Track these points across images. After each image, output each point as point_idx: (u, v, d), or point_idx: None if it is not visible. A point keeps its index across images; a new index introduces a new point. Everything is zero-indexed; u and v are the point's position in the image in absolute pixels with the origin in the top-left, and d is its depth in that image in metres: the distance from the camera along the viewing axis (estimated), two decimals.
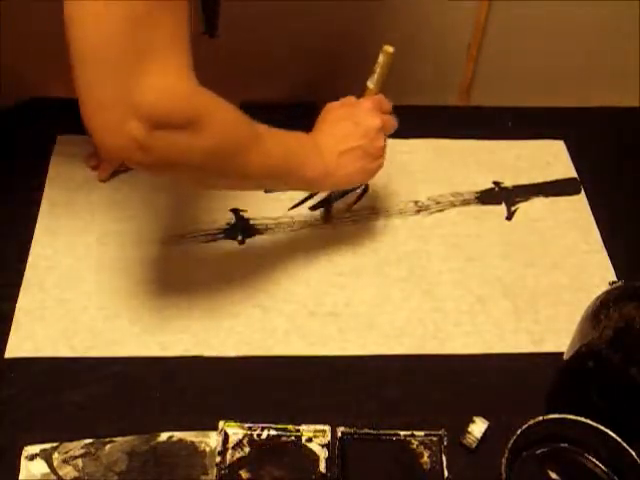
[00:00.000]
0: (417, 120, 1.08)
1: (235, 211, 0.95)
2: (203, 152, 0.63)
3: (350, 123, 0.82)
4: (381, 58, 0.85)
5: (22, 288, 0.85)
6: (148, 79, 0.56)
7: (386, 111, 0.85)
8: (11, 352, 0.80)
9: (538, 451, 0.72)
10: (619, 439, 0.68)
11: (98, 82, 0.57)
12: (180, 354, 0.81)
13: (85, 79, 0.57)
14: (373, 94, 0.87)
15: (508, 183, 1.01)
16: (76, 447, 0.72)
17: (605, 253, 0.93)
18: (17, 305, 0.84)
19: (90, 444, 0.73)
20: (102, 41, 0.55)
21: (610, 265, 0.92)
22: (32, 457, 0.71)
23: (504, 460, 0.67)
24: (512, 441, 0.68)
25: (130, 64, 0.56)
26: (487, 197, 1.00)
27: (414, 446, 0.74)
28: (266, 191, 0.97)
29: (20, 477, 0.70)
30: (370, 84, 0.87)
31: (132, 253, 0.90)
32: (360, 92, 0.87)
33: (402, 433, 0.74)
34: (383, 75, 0.87)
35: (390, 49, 0.85)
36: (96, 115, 0.58)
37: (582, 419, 0.70)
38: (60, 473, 0.71)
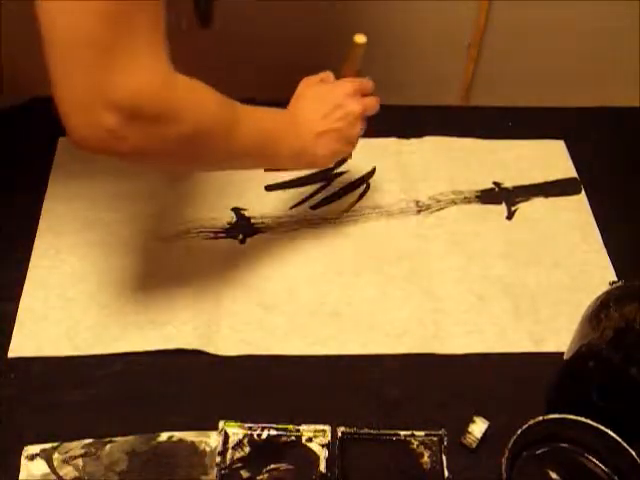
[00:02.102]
0: (417, 120, 1.09)
1: (236, 210, 0.95)
2: (179, 141, 0.64)
3: (330, 104, 0.82)
4: (351, 48, 0.84)
5: (25, 288, 0.85)
6: (122, 72, 0.57)
7: (367, 93, 0.85)
8: (14, 352, 0.80)
9: (538, 451, 0.73)
10: (619, 439, 0.68)
11: (73, 75, 0.57)
12: (183, 346, 0.81)
13: (61, 75, 0.58)
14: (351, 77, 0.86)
15: (508, 183, 1.01)
16: (76, 447, 0.72)
17: (605, 253, 0.93)
18: (20, 305, 0.84)
19: (90, 444, 0.73)
20: (77, 38, 0.56)
21: (610, 265, 0.92)
22: (32, 457, 0.71)
23: (504, 460, 0.67)
24: (512, 441, 0.68)
25: (105, 59, 0.57)
26: (487, 197, 1.00)
27: (414, 446, 0.74)
28: (267, 188, 0.98)
29: (20, 477, 0.71)
30: (343, 73, 0.86)
31: (134, 252, 0.90)
32: (337, 74, 0.86)
33: (402, 433, 0.74)
34: (355, 64, 0.85)
35: (361, 39, 0.83)
36: (73, 110, 0.58)
37: (582, 419, 0.70)
38: (60, 473, 0.71)
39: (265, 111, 0.77)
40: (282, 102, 0.84)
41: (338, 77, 0.86)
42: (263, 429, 0.74)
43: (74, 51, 0.57)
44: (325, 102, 0.82)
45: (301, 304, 0.86)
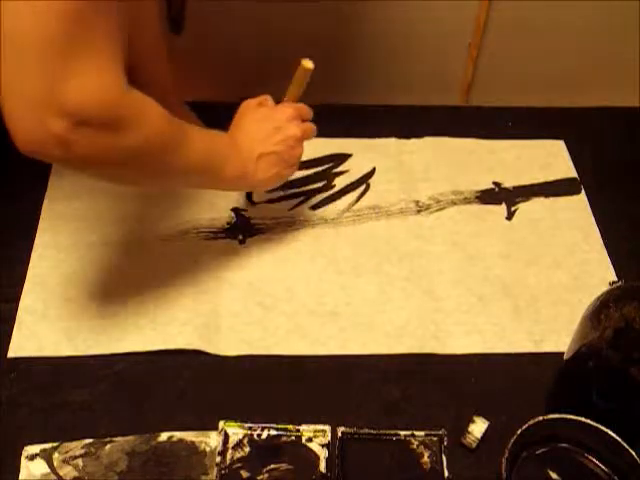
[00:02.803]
0: (417, 120, 1.09)
1: (236, 210, 0.95)
2: (127, 151, 0.63)
3: (270, 127, 0.82)
4: (298, 72, 0.84)
5: (25, 288, 0.85)
6: (75, 77, 0.56)
7: (306, 119, 0.86)
8: (14, 352, 0.80)
9: (538, 451, 0.73)
10: (619, 439, 0.69)
11: (24, 77, 0.56)
12: (183, 346, 0.81)
13: (10, 72, 0.56)
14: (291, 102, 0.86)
15: (508, 183, 1.01)
16: (76, 447, 0.72)
17: (605, 253, 0.93)
18: (20, 305, 0.84)
19: (90, 444, 0.73)
20: (31, 37, 0.55)
21: (610, 265, 0.92)
22: (32, 457, 0.71)
23: (504, 460, 0.67)
24: (512, 441, 0.69)
25: (58, 61, 0.56)
26: (487, 197, 1.00)
27: (414, 446, 0.74)
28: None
29: (20, 477, 0.71)
30: (287, 95, 0.86)
31: (133, 252, 0.90)
32: (279, 99, 0.87)
33: (402, 433, 0.75)
34: (300, 87, 0.86)
35: (308, 65, 0.83)
36: (18, 109, 0.57)
37: (582, 419, 0.70)
38: (60, 473, 0.71)
39: (209, 133, 0.77)
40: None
41: (280, 99, 0.87)
42: (263, 429, 0.74)
43: (28, 49, 0.56)
44: (265, 125, 0.83)
45: (301, 304, 0.86)
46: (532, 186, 1.01)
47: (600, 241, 0.95)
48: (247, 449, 0.73)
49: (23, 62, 0.56)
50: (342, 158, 1.02)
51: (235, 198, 0.96)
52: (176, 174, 0.73)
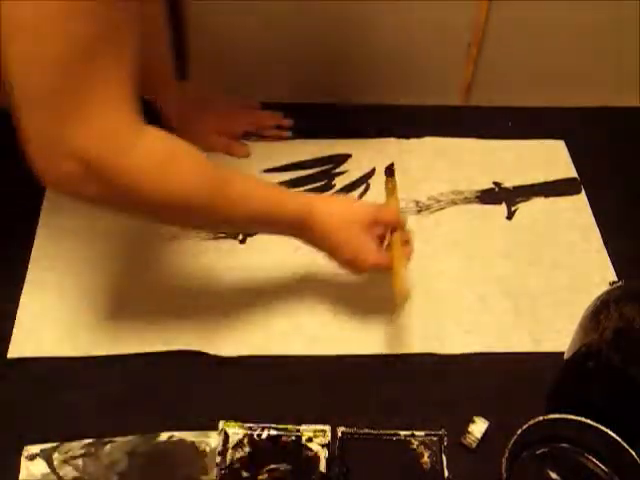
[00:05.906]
0: (417, 120, 1.09)
1: None
2: (140, 206, 0.63)
3: (352, 248, 0.78)
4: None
5: (25, 288, 0.85)
6: (83, 123, 0.57)
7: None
8: (14, 352, 0.80)
9: (538, 451, 0.73)
10: (619, 439, 0.69)
11: (38, 124, 0.58)
12: (183, 347, 0.81)
13: (26, 120, 0.58)
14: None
15: (508, 183, 1.01)
16: (76, 447, 0.72)
17: (605, 253, 0.93)
18: (20, 305, 0.84)
19: (90, 444, 0.73)
20: (39, 84, 0.56)
21: (610, 265, 0.92)
22: (32, 457, 0.71)
23: (504, 460, 0.67)
24: (512, 441, 0.69)
25: (66, 108, 0.57)
26: (487, 197, 1.00)
27: (414, 446, 0.74)
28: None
29: (20, 477, 0.71)
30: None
31: (134, 252, 0.90)
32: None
33: (402, 433, 0.74)
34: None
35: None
36: (37, 152, 0.59)
37: (582, 419, 0.70)
38: (60, 473, 0.71)
39: (269, 187, 0.76)
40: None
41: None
42: (263, 429, 0.74)
43: (37, 97, 0.57)
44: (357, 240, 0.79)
45: (301, 304, 0.86)
46: (532, 186, 1.02)
47: (600, 241, 0.95)
48: (247, 449, 0.73)
49: (35, 111, 0.58)
50: (342, 158, 1.02)
51: None
52: (227, 221, 0.72)
